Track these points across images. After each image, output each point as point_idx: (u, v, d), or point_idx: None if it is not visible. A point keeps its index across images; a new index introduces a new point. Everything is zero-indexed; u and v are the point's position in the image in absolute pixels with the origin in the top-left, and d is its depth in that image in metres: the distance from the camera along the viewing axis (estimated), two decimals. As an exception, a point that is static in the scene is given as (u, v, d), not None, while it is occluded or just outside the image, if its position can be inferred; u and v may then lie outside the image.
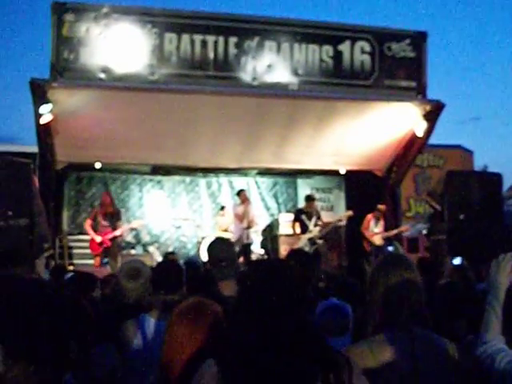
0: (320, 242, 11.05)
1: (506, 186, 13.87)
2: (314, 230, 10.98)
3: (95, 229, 10.28)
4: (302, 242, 10.92)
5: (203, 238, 11.90)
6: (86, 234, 10.96)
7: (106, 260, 10.19)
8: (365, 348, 2.38)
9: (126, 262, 4.28)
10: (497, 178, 8.46)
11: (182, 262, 7.32)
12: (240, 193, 11.81)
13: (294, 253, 4.74)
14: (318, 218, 11.20)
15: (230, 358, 1.75)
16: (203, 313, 2.21)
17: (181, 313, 2.23)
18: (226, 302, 2.84)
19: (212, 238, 4.13)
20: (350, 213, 11.73)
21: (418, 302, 2.48)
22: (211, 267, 3.76)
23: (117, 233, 10.41)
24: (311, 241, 10.93)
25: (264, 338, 1.72)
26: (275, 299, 1.75)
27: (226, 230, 11.66)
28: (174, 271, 3.60)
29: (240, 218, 11.41)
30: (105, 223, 10.29)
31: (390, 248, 10.99)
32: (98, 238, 10.17)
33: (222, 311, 2.31)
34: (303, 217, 11.11)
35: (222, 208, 12.36)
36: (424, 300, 2.51)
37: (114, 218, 10.49)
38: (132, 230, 12.04)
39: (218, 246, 3.80)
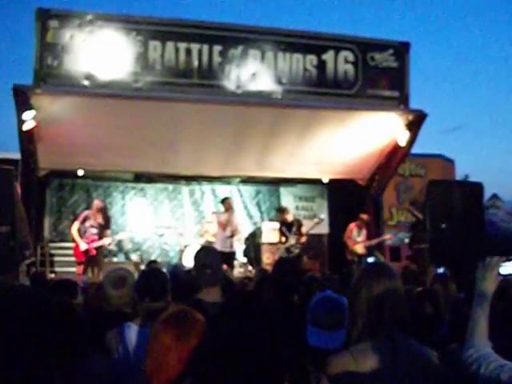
0: (296, 250, 11.09)
1: (487, 196, 14.02)
2: (291, 239, 11.08)
3: (81, 233, 10.15)
4: (280, 251, 11.12)
5: (186, 246, 11.83)
6: (68, 241, 10.84)
7: (86, 277, 9.91)
8: (348, 357, 2.40)
9: (111, 270, 4.26)
10: (478, 187, 8.54)
11: (164, 270, 7.27)
12: (224, 201, 11.73)
13: (282, 262, 4.85)
14: (300, 227, 11.25)
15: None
16: (188, 321, 2.21)
17: (165, 321, 2.23)
18: (209, 309, 2.85)
19: (195, 246, 4.16)
20: (322, 217, 12.11)
21: (401, 310, 2.50)
22: (196, 274, 3.78)
23: (105, 241, 10.31)
24: (288, 249, 11.01)
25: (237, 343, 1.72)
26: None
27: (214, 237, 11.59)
28: (159, 279, 3.61)
29: (223, 226, 11.35)
30: (93, 230, 10.16)
31: (371, 259, 11.02)
32: (83, 246, 10.01)
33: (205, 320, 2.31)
34: (283, 228, 11.21)
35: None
36: (407, 308, 2.53)
37: (103, 226, 10.40)
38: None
39: (204, 253, 3.82)
